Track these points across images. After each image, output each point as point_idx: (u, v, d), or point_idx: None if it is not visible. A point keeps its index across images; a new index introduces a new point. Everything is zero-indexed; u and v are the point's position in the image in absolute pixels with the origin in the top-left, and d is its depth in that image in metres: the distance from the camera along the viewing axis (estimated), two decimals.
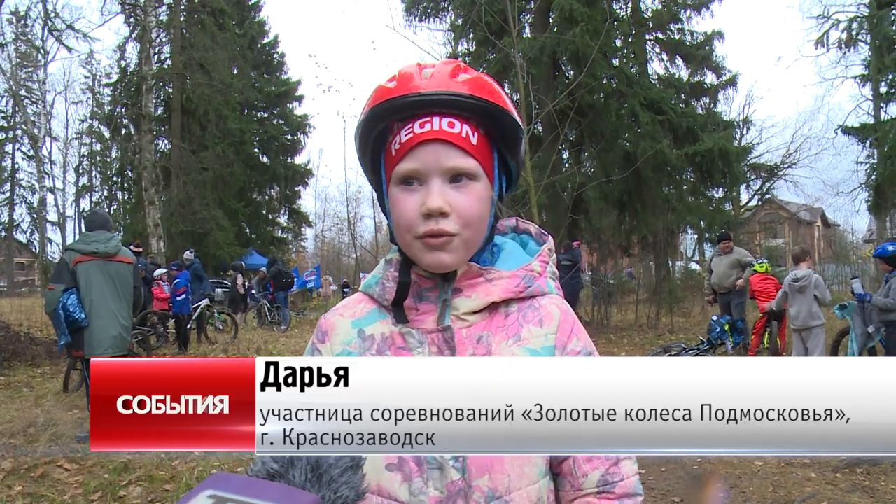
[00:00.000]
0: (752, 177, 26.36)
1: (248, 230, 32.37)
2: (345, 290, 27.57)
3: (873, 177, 11.65)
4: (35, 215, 37.99)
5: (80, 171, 37.87)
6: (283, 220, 36.42)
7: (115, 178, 33.94)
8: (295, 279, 27.26)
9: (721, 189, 18.77)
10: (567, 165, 17.23)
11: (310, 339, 1.13)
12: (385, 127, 0.99)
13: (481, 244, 1.02)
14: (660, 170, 15.94)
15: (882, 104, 16.66)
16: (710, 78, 19.98)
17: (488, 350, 0.99)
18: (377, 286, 1.07)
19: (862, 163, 15.61)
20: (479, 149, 0.98)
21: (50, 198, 38.10)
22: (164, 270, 12.69)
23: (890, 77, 11.93)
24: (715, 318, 10.02)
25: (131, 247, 10.99)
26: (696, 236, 22.53)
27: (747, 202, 28.89)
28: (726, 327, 9.67)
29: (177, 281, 11.72)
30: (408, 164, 0.96)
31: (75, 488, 4.54)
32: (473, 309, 1.01)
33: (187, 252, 14.66)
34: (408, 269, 1.02)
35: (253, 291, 18.55)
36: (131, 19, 23.82)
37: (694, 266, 25.07)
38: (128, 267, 5.60)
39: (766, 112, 73.71)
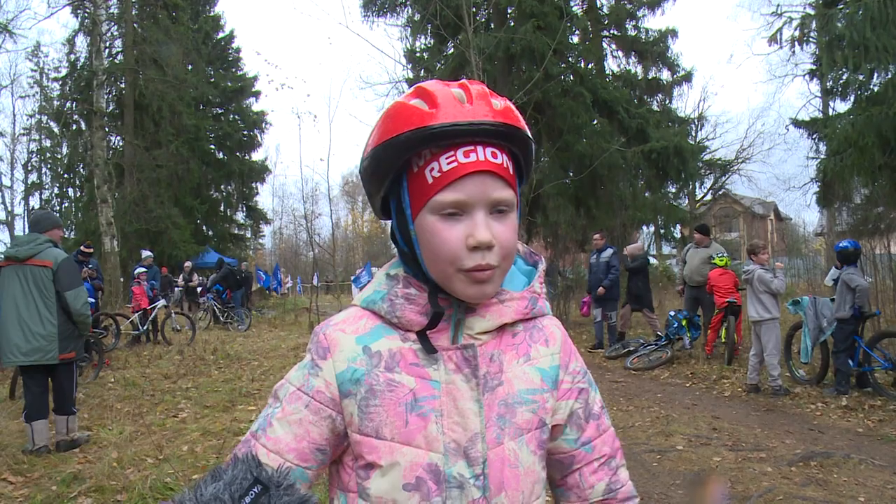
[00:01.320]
0: (707, 172, 26.81)
1: (204, 228, 31.90)
2: (355, 282, 27.75)
3: (821, 171, 11.92)
4: None
5: (29, 167, 36.76)
6: (240, 217, 36.00)
7: (65, 176, 33.07)
8: (257, 277, 26.99)
9: (676, 185, 18.99)
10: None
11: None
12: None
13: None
14: (615, 168, 16.06)
15: (830, 101, 17.05)
16: (665, 75, 20.21)
17: (500, 368, 1.02)
18: (383, 303, 1.03)
19: (812, 158, 15.91)
20: (513, 178, 0.98)
21: None
22: (144, 269, 12.64)
23: (838, 73, 12.18)
24: (672, 312, 10.04)
25: (82, 247, 10.69)
26: (652, 232, 22.76)
27: (702, 197, 29.41)
28: (683, 322, 9.71)
29: (153, 281, 11.84)
30: (452, 195, 0.93)
31: (20, 502, 4.36)
32: (487, 329, 1.02)
33: (146, 252, 14.45)
34: (435, 296, 1.00)
35: (203, 290, 18.06)
36: (80, 12, 23.14)
37: (652, 261, 25.38)
38: (44, 271, 5.21)
39: (720, 108, 75.12)
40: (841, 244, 7.49)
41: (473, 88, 0.95)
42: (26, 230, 5.62)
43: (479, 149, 0.92)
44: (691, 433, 6.12)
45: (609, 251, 11.29)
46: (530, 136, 0.99)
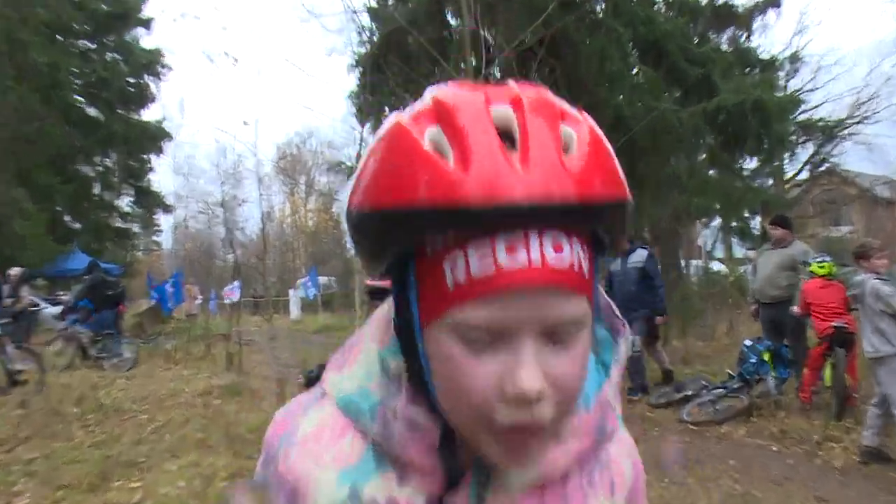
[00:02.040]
0: (804, 139, 26.36)
1: (68, 218, 31.61)
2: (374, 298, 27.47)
3: None
4: None
5: None
6: (125, 203, 35.76)
7: None
8: (149, 290, 26.71)
9: (756, 158, 18.91)
10: None
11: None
12: None
13: None
14: (665, 135, 15.90)
15: None
16: None
17: None
18: (373, 422, 0.95)
19: None
20: (590, 274, 0.86)
21: None
22: None
23: None
24: (748, 342, 9.92)
25: None
26: (719, 225, 22.74)
27: (795, 175, 29.16)
28: (766, 357, 9.61)
29: None
30: (484, 314, 0.81)
31: None
32: (528, 483, 0.95)
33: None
34: (451, 440, 0.92)
35: (66, 311, 17.19)
36: None
37: (718, 266, 25.42)
38: None
39: (824, 45, 74.79)
40: None
41: (532, 120, 0.81)
42: None
43: (534, 241, 0.80)
44: None
45: (642, 253, 11.24)
46: (628, 197, 0.87)
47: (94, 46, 33.47)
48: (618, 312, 1.03)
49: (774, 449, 8.37)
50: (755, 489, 6.86)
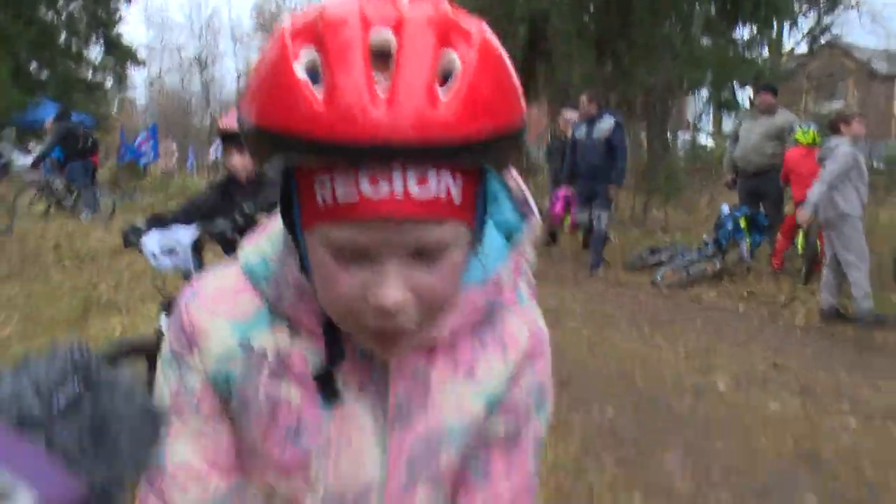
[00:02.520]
0: (806, 8, 25.22)
1: (34, 68, 30.78)
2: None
3: None
4: None
5: None
6: (93, 54, 34.87)
7: None
8: (122, 145, 26.35)
9: (752, 25, 18.52)
10: None
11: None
12: None
13: None
14: None
15: None
16: None
17: (426, 388, 0.98)
18: (269, 286, 1.00)
19: None
20: (465, 198, 0.87)
21: None
22: None
23: None
24: (726, 209, 10.01)
25: None
26: (709, 97, 22.30)
27: (793, 48, 28.36)
28: (742, 223, 9.77)
29: None
30: (347, 235, 0.84)
31: None
32: (410, 349, 0.98)
33: None
34: (334, 327, 0.95)
35: (37, 161, 16.24)
36: None
37: (706, 142, 25.19)
38: None
39: None
40: None
41: (409, 47, 0.81)
42: None
43: (397, 175, 0.81)
44: (741, 371, 6.35)
45: (609, 122, 10.60)
46: (519, 125, 0.86)
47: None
48: (531, 201, 1.06)
49: (741, 310, 8.67)
50: (718, 344, 7.18)
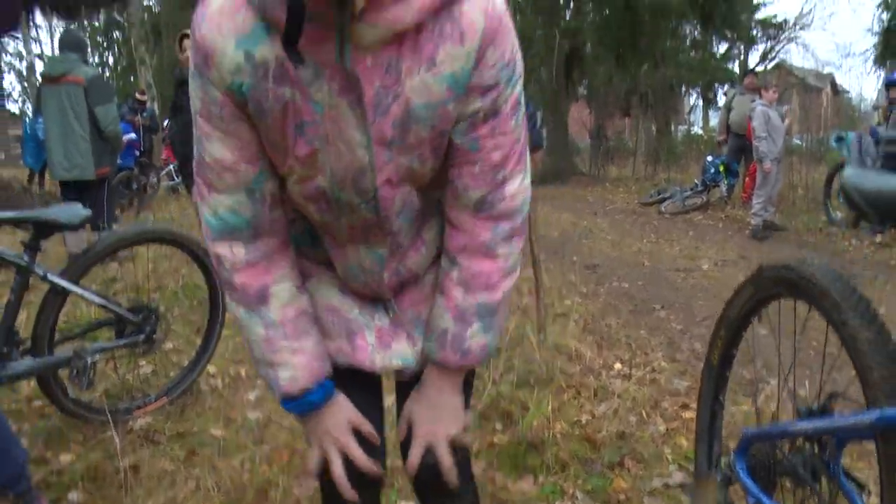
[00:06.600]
0: (760, 35, 25.41)
1: None
2: None
3: (888, 18, 11.28)
4: (25, 83, 37.22)
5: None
6: None
7: (102, 43, 33.03)
8: None
9: (725, 42, 18.15)
10: (569, 10, 16.63)
11: None
12: None
13: None
14: (660, 17, 15.35)
15: None
16: None
17: (397, 79, 0.84)
18: None
19: (881, 10, 14.96)
20: None
21: (39, 64, 37.22)
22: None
23: None
24: (710, 157, 9.88)
25: (136, 94, 10.92)
26: (699, 98, 21.91)
27: (754, 67, 28.10)
28: (721, 168, 9.58)
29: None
30: None
31: None
32: (379, 39, 0.81)
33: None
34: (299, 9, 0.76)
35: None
36: None
37: (697, 130, 24.72)
38: (76, 88, 5.27)
39: None
40: (894, 76, 7.16)
41: None
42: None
43: None
44: (718, 258, 6.25)
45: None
46: None
47: None
48: None
49: (720, 226, 8.48)
50: (702, 244, 7.10)
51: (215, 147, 0.90)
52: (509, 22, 0.88)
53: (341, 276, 1.07)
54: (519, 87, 0.92)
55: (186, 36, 4.77)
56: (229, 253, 0.96)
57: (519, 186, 0.96)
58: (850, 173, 1.39)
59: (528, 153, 0.99)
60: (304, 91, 0.83)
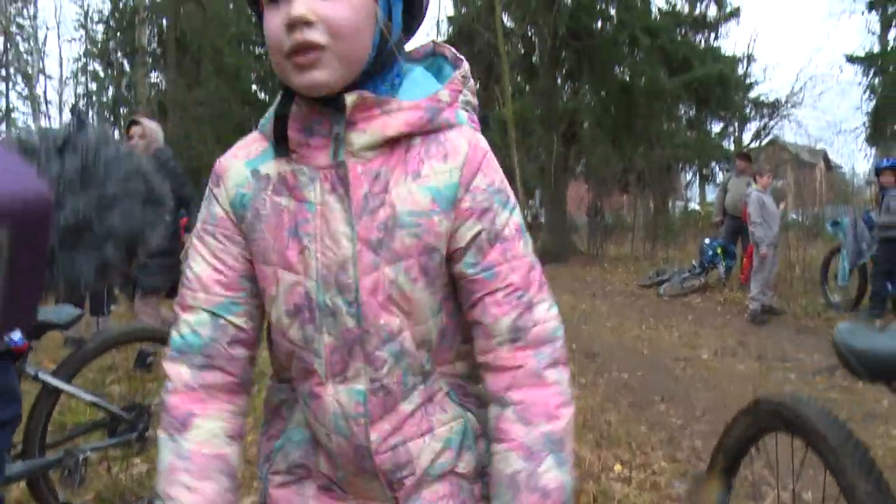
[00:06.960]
0: (754, 114, 25.91)
1: None
2: None
3: (874, 102, 11.58)
4: None
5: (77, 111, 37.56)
6: None
7: (110, 118, 33.65)
8: None
9: (719, 122, 18.45)
10: (566, 92, 16.97)
11: None
12: None
13: (367, 65, 0.89)
14: (655, 99, 15.66)
15: (887, 29, 16.43)
16: (712, 10, 19.58)
17: (385, 187, 0.89)
18: (268, 122, 0.95)
19: (868, 94, 15.36)
20: None
21: None
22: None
23: None
24: (707, 240, 9.91)
25: None
26: (696, 174, 22.16)
27: (749, 144, 28.60)
28: (719, 250, 9.60)
29: None
30: None
31: None
32: (369, 145, 0.89)
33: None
34: (290, 99, 0.91)
35: None
36: None
37: (694, 206, 24.92)
38: None
39: (771, 53, 72.24)
40: (884, 163, 7.27)
41: None
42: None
43: None
44: (717, 346, 6.22)
45: None
46: None
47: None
48: (461, 57, 1.01)
49: (719, 310, 8.47)
50: (701, 329, 7.07)
51: (199, 265, 0.96)
52: (494, 159, 0.95)
53: (322, 441, 0.98)
54: (518, 216, 0.95)
55: (135, 123, 4.81)
56: (176, 374, 0.95)
57: (547, 313, 0.95)
58: (843, 329, 1.42)
59: (547, 284, 0.98)
60: (300, 196, 0.91)
